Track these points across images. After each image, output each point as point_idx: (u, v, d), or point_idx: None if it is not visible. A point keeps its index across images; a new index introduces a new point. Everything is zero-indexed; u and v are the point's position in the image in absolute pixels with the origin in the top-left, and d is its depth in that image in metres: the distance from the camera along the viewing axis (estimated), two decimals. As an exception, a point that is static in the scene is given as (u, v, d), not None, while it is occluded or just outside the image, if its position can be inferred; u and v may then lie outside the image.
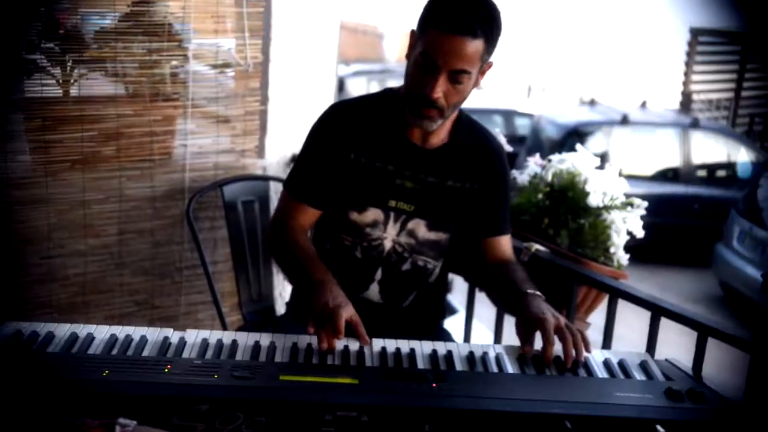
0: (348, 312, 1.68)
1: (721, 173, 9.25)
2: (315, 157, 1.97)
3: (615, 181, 2.24)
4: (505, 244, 2.02)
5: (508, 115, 11.81)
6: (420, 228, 1.96)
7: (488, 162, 2.00)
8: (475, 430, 1.45)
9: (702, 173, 9.08)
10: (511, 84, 16.91)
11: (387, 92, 2.00)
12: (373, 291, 2.01)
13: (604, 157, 5.40)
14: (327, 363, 1.62)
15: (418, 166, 1.94)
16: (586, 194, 2.20)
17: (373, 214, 1.94)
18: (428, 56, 1.74)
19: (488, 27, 1.75)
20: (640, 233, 2.25)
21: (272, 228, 2.03)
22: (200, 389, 1.45)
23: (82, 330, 1.69)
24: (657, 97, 11.82)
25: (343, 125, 1.95)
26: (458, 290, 3.22)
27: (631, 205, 2.23)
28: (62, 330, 1.68)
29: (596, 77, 15.86)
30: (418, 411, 1.45)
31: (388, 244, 1.96)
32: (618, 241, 2.23)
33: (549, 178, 2.27)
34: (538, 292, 1.79)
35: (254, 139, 2.96)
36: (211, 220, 2.90)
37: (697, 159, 8.99)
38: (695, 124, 9.26)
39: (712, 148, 9.21)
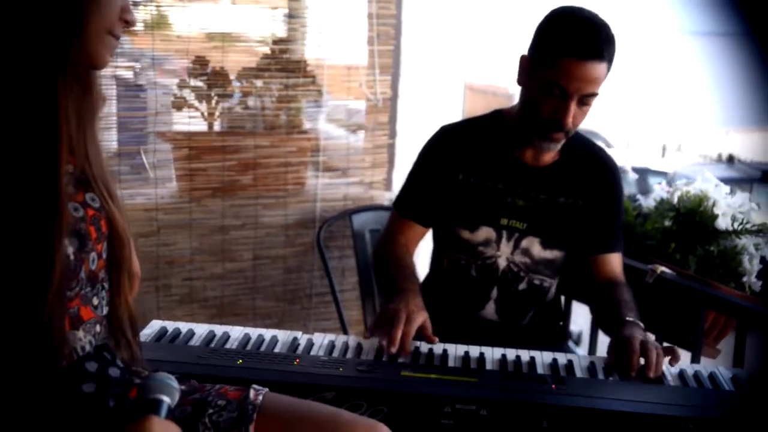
0: (417, 321, 1.69)
1: None
2: (423, 176, 2.04)
3: (746, 206, 2.19)
4: (615, 262, 2.01)
5: (642, 174, 11.55)
6: (534, 246, 1.98)
7: (600, 178, 2.00)
8: (595, 429, 1.44)
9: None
10: (645, 143, 16.56)
11: (496, 114, 2.05)
12: (490, 309, 2.04)
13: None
14: (448, 365, 1.67)
15: (530, 183, 1.97)
16: (714, 217, 2.16)
17: (485, 232, 1.98)
18: (559, 85, 1.77)
19: (611, 47, 1.79)
20: (776, 260, 2.18)
21: (378, 244, 2.11)
22: (326, 379, 1.52)
23: (219, 329, 1.80)
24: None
25: (451, 146, 2.01)
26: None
27: (765, 231, 2.17)
28: (201, 329, 1.80)
29: (731, 136, 15.33)
30: (537, 407, 1.46)
31: (502, 263, 1.99)
32: (750, 268, 2.16)
33: (675, 201, 2.24)
34: (638, 321, 1.76)
35: (382, 172, 3.07)
36: (340, 249, 3.01)
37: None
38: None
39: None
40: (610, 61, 1.79)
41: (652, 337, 1.75)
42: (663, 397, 1.52)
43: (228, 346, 1.72)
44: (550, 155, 1.97)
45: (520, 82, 1.90)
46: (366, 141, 3.02)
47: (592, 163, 2.01)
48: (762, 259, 2.21)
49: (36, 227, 1.02)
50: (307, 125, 2.94)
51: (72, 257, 1.10)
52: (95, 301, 1.18)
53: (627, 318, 1.76)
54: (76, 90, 1.12)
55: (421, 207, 2.04)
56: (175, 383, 1.10)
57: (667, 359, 1.65)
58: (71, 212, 1.11)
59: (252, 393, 1.25)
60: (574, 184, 1.98)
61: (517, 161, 1.97)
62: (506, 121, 1.99)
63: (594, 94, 1.80)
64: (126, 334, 1.23)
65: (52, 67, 1.04)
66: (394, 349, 1.62)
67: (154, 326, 1.78)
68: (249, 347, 1.72)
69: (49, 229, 1.02)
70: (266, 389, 1.28)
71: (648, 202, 2.33)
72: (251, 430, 1.19)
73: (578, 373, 1.65)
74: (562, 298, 2.22)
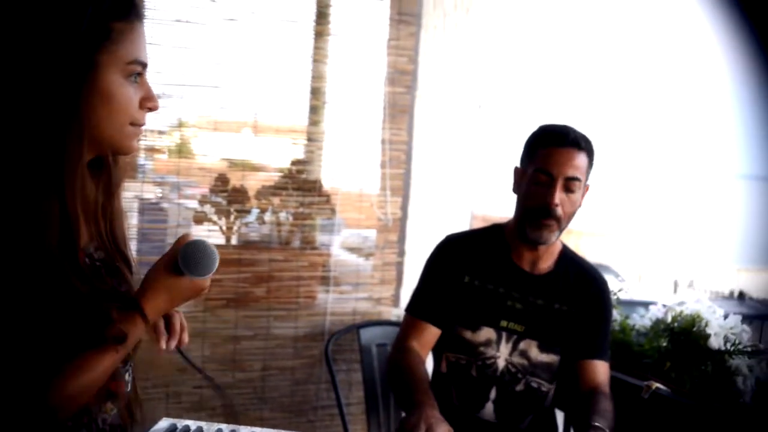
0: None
1: None
2: (432, 280, 2.17)
3: (738, 327, 2.27)
4: (601, 370, 2.09)
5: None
6: (532, 349, 2.08)
7: (591, 290, 2.14)
8: None
9: None
10: (657, 278, 16.63)
11: (495, 227, 2.22)
12: (488, 410, 2.10)
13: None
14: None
15: (527, 289, 2.10)
16: (707, 336, 2.24)
17: (486, 333, 2.09)
18: (543, 170, 1.99)
19: (589, 145, 2.03)
20: (770, 380, 2.23)
21: (392, 351, 2.19)
22: None
23: (227, 428, 1.87)
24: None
25: (456, 252, 2.16)
26: None
27: (759, 352, 2.24)
28: (211, 428, 1.86)
29: (738, 270, 15.39)
30: None
31: (501, 363, 2.08)
32: (744, 389, 2.22)
33: (669, 320, 2.33)
34: (605, 429, 1.80)
35: (390, 288, 3.18)
36: (348, 362, 3.08)
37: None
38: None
39: None
40: (590, 155, 2.02)
41: None
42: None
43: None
44: (545, 263, 2.11)
45: (514, 190, 2.10)
46: (376, 259, 3.15)
47: (583, 275, 2.16)
48: (757, 381, 2.26)
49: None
50: (319, 241, 3.08)
51: None
52: (127, 377, 1.28)
53: (594, 423, 1.80)
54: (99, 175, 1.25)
55: (433, 308, 2.15)
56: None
57: None
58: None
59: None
60: (567, 293, 2.11)
61: (516, 268, 2.11)
62: (504, 232, 2.15)
63: (577, 178, 1.99)
64: (136, 416, 1.31)
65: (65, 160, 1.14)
66: None
67: (162, 424, 1.85)
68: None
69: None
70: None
71: (644, 322, 2.42)
72: None
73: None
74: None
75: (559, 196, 1.98)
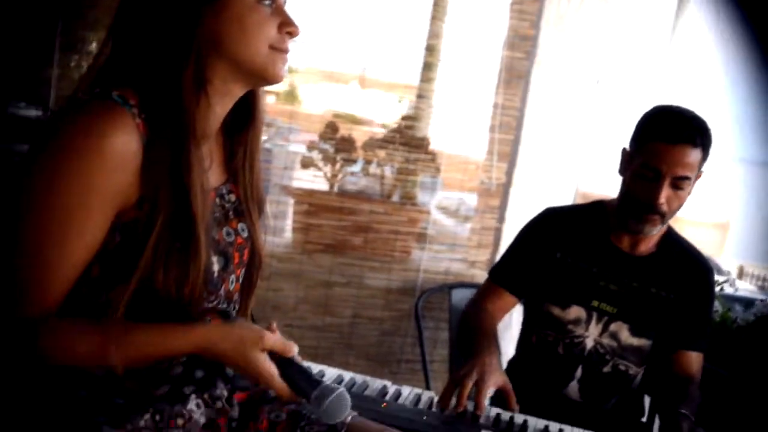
0: (491, 381, 1.69)
1: None
2: (522, 250, 2.14)
3: None
4: (695, 361, 2.03)
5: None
6: (623, 331, 2.03)
7: (694, 276, 2.06)
8: None
9: None
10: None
11: (597, 203, 2.14)
12: (573, 389, 2.08)
13: None
14: (526, 433, 1.72)
15: (624, 270, 2.04)
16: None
17: (575, 311, 2.05)
18: (652, 167, 1.89)
19: (705, 138, 1.90)
20: None
21: (466, 309, 2.18)
22: (410, 423, 1.58)
23: (316, 367, 1.91)
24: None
25: (553, 227, 2.11)
26: None
27: None
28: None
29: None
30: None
31: (589, 343, 2.05)
32: None
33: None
34: (691, 416, 1.76)
35: (486, 253, 3.18)
36: (436, 320, 3.11)
37: None
38: None
39: None
40: (704, 150, 1.90)
41: None
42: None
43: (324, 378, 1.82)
44: (646, 246, 2.05)
45: (620, 172, 2.02)
46: (475, 222, 3.15)
47: (687, 261, 2.08)
48: None
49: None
50: (419, 199, 3.10)
51: (216, 274, 1.22)
52: None
53: (682, 410, 1.77)
54: (248, 120, 1.27)
55: (515, 277, 2.13)
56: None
57: None
58: (224, 236, 1.25)
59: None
60: (668, 278, 2.04)
61: (614, 248, 2.05)
62: (606, 210, 2.09)
63: (687, 178, 1.89)
64: None
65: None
66: (461, 408, 1.65)
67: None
68: (343, 383, 1.82)
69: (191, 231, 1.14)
70: (356, 413, 1.38)
71: (746, 316, 2.34)
72: None
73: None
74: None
75: (665, 193, 1.90)
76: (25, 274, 1.07)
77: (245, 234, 1.31)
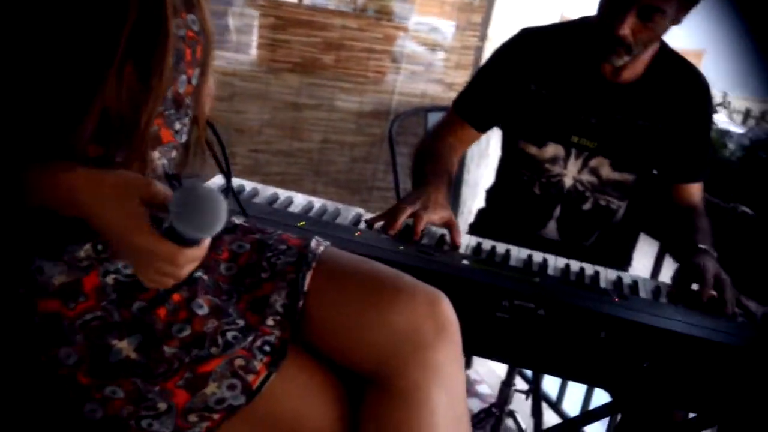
0: (438, 216, 1.59)
1: None
2: (492, 79, 1.93)
3: None
4: (697, 191, 1.91)
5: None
6: (603, 167, 1.88)
7: (687, 101, 1.86)
8: (654, 346, 1.39)
9: None
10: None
11: (583, 21, 1.89)
12: (551, 228, 1.96)
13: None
14: (509, 263, 1.62)
15: (606, 101, 1.84)
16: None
17: (553, 149, 1.89)
18: None
19: None
20: None
21: (423, 138, 2.02)
22: (386, 253, 1.47)
23: (284, 194, 1.78)
24: None
25: (529, 53, 1.88)
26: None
27: None
28: (266, 190, 1.78)
29: None
30: (597, 316, 1.40)
31: (568, 182, 1.91)
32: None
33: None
34: (713, 252, 1.66)
35: (465, 74, 2.98)
36: (410, 146, 2.93)
37: None
38: None
39: None
40: None
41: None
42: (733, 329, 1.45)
43: (291, 209, 1.69)
44: (632, 71, 1.84)
45: None
46: (454, 39, 2.93)
47: (680, 82, 1.87)
48: None
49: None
50: (397, 13, 2.86)
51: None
52: (177, 125, 1.14)
53: (701, 245, 1.66)
54: None
55: (481, 110, 1.94)
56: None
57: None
58: (174, 30, 1.05)
59: (314, 242, 1.21)
60: (657, 106, 1.85)
61: (597, 76, 1.85)
62: (592, 30, 1.86)
63: (658, 10, 1.65)
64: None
65: None
66: (392, 231, 1.56)
67: (217, 180, 1.77)
68: (312, 213, 1.69)
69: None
70: (329, 243, 1.24)
71: (743, 141, 2.21)
72: (308, 278, 1.14)
73: (642, 294, 1.59)
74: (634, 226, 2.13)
75: (629, 24, 1.66)
76: None
77: (196, 27, 1.11)
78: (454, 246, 1.60)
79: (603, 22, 1.71)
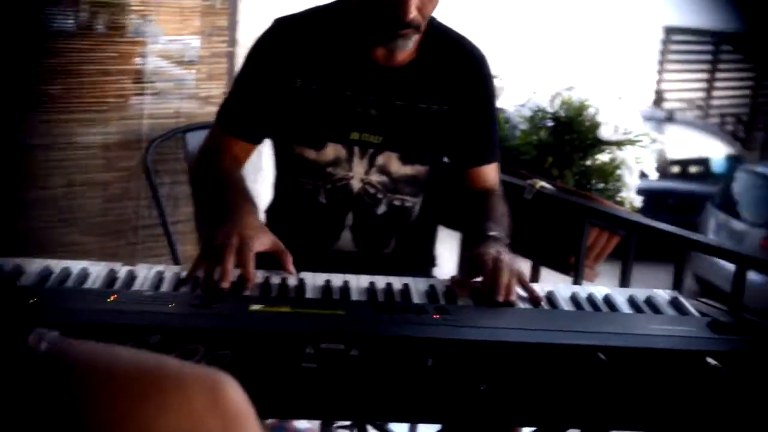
0: (257, 245, 1.40)
1: (695, 168, 9.19)
2: (251, 84, 1.71)
3: (629, 114, 2.00)
4: (491, 173, 1.77)
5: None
6: (392, 162, 1.69)
7: (466, 77, 1.72)
8: (490, 365, 1.19)
9: (676, 169, 8.99)
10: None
11: (343, 3, 1.70)
12: (346, 239, 1.75)
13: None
14: (305, 297, 1.37)
15: (383, 88, 1.67)
16: (596, 126, 1.96)
17: (333, 150, 1.68)
18: None
19: None
20: (653, 174, 2.02)
21: (197, 162, 1.76)
22: (150, 318, 1.19)
23: (10, 262, 1.41)
24: (631, 94, 11.69)
25: (287, 46, 1.68)
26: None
27: (648, 140, 2.00)
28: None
29: (570, 71, 15.76)
30: (419, 342, 1.19)
31: (356, 185, 1.70)
32: (630, 182, 2.00)
33: (555, 108, 2.02)
34: (503, 236, 1.55)
35: (221, 85, 2.71)
36: (172, 174, 2.63)
37: (672, 154, 8.90)
38: (670, 118, 9.21)
39: (687, 143, 9.13)
40: None
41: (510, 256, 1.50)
42: (564, 325, 1.29)
43: (22, 282, 1.34)
44: (404, 52, 1.66)
45: None
46: (202, 49, 2.63)
47: (456, 59, 1.72)
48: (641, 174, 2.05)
49: None
50: (132, 26, 2.51)
51: None
52: None
53: (489, 233, 1.53)
54: None
55: (248, 121, 1.71)
56: None
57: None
58: None
59: (31, 339, 0.86)
60: (437, 87, 1.69)
61: (368, 61, 1.66)
62: (352, 10, 1.65)
63: None
64: None
65: None
66: (226, 284, 1.33)
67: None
68: (49, 283, 1.35)
69: None
70: (56, 331, 0.90)
71: (523, 112, 2.10)
72: None
73: (460, 301, 1.40)
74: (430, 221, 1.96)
75: (415, 3, 1.50)
76: None
77: None
78: (286, 270, 1.43)
79: (385, 10, 1.52)
